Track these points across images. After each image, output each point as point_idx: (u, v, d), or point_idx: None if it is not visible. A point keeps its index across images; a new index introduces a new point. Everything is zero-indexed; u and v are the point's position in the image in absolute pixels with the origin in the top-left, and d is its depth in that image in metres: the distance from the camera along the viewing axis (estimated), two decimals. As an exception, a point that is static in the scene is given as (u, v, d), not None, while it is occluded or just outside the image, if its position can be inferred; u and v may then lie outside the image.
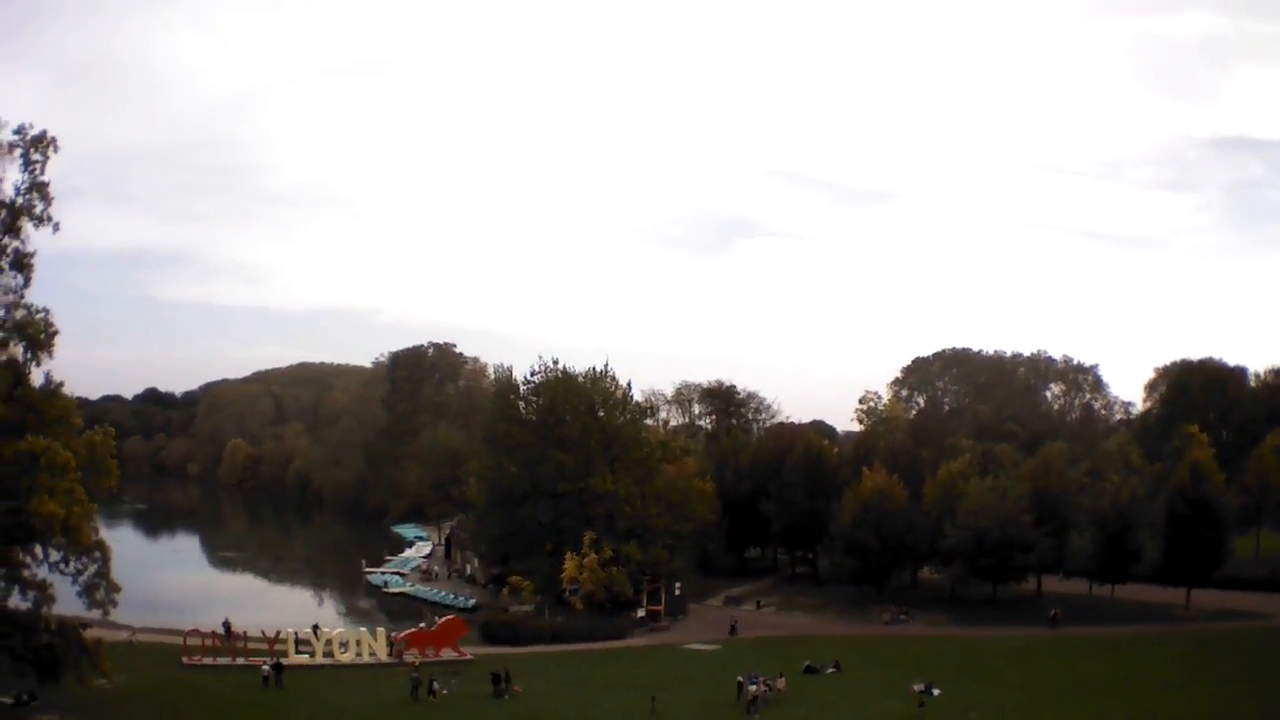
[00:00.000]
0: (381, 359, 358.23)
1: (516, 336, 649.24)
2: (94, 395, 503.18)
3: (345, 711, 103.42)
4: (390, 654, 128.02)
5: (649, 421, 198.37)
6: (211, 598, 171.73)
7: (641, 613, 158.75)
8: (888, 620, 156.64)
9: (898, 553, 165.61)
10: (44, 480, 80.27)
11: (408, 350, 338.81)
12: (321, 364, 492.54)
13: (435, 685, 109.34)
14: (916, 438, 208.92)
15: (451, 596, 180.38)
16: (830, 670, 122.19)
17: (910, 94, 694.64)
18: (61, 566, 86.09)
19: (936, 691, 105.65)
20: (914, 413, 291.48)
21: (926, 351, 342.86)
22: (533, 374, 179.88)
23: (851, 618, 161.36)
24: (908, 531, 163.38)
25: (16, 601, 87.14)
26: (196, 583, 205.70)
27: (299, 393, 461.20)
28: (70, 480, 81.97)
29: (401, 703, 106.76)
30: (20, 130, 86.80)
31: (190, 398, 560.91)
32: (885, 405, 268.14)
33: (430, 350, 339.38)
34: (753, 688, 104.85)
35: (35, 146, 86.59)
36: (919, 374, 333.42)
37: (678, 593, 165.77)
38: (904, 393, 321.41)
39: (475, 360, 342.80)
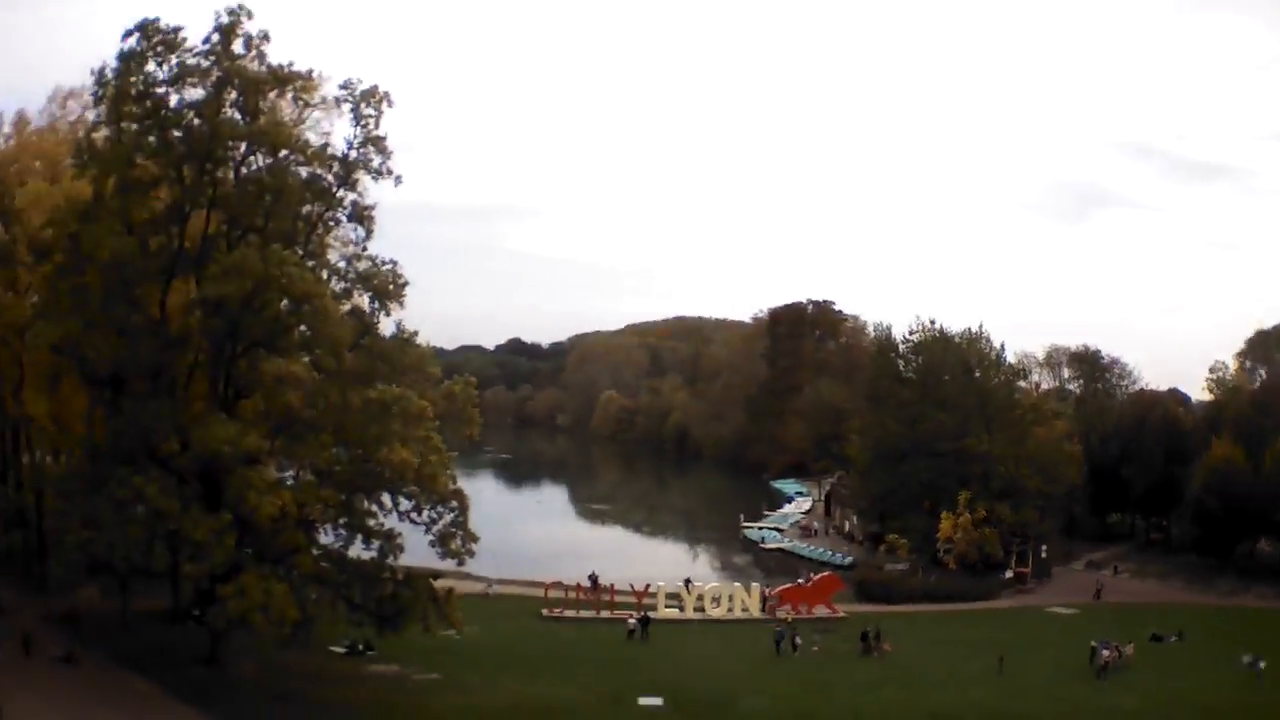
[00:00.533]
0: (761, 315, 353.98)
1: (886, 300, 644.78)
2: (452, 346, 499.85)
3: (707, 665, 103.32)
4: (763, 609, 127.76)
5: (1021, 384, 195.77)
6: (577, 550, 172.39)
7: (1009, 574, 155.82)
8: (1228, 591, 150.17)
9: (1239, 522, 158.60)
10: (395, 429, 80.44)
11: (787, 306, 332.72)
12: (698, 318, 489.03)
13: (798, 640, 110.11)
14: (1259, 408, 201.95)
15: (829, 553, 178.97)
16: (1174, 639, 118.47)
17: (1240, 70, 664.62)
18: (413, 515, 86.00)
19: (1263, 664, 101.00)
20: (1257, 384, 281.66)
21: (1268, 324, 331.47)
22: (911, 333, 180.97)
23: (1196, 586, 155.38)
24: (1248, 500, 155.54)
25: (360, 551, 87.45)
26: (562, 535, 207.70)
27: (676, 346, 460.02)
28: (426, 429, 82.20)
29: (766, 658, 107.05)
30: (347, 85, 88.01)
31: (557, 349, 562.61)
32: (1231, 375, 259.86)
33: (809, 307, 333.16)
34: (1105, 653, 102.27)
35: (366, 101, 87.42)
36: (1261, 346, 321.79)
37: (1044, 555, 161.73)
38: (1247, 364, 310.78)
39: (855, 318, 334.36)
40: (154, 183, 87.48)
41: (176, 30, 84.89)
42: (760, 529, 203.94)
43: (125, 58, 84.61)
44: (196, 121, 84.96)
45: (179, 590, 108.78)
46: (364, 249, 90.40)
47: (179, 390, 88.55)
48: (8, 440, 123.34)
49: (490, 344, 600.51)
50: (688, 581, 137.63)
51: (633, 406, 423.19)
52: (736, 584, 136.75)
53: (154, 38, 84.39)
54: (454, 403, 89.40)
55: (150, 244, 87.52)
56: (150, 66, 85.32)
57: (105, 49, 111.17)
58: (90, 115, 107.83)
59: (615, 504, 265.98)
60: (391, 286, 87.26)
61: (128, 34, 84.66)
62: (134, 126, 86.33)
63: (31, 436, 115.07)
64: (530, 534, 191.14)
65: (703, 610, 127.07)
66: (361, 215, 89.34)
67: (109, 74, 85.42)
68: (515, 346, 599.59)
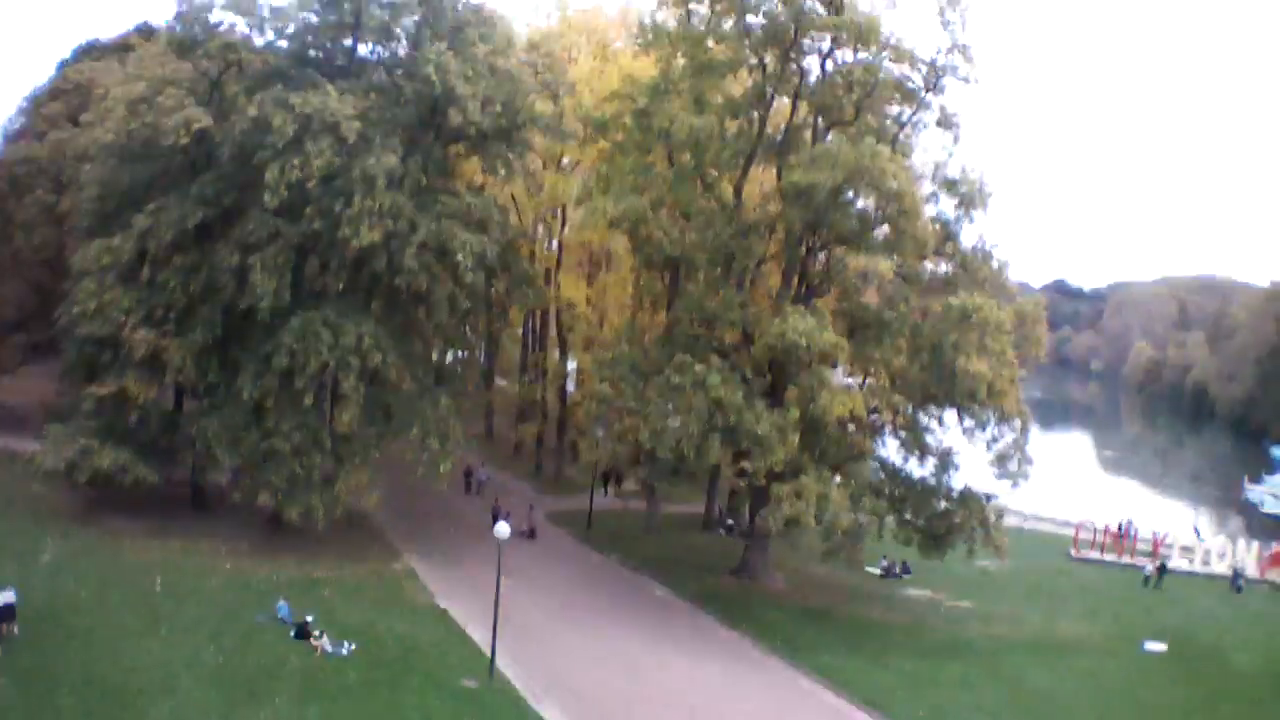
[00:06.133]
0: (1277, 282, 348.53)
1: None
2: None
3: (1207, 615, 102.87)
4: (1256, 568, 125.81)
5: None
6: (1098, 497, 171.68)
7: None
8: None
9: None
10: (973, 338, 77.82)
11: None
12: (1222, 278, 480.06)
13: (1241, 584, 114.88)
14: None
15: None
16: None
17: None
18: (976, 433, 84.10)
19: None
20: None
21: None
22: None
23: None
24: None
25: (915, 467, 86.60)
26: (1084, 480, 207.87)
27: (1202, 302, 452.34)
28: (1002, 343, 79.13)
29: (1253, 615, 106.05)
30: None
31: (1098, 294, 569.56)
32: None
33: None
34: None
35: (952, 5, 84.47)
36: None
37: None
38: None
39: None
40: (729, 66, 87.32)
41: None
42: (1261, 493, 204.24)
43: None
44: (779, 7, 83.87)
45: (713, 497, 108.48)
46: (950, 155, 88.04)
47: (746, 280, 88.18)
48: (529, 333, 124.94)
49: (1036, 283, 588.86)
50: (1196, 530, 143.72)
51: (1159, 359, 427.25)
52: (1241, 540, 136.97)
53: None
54: (1025, 321, 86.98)
55: (727, 127, 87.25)
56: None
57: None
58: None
59: (1136, 455, 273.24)
60: (978, 194, 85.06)
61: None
62: (703, 8, 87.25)
63: (563, 325, 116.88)
64: (1058, 476, 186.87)
65: (1209, 564, 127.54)
66: (949, 121, 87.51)
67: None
68: (1059, 287, 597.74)
